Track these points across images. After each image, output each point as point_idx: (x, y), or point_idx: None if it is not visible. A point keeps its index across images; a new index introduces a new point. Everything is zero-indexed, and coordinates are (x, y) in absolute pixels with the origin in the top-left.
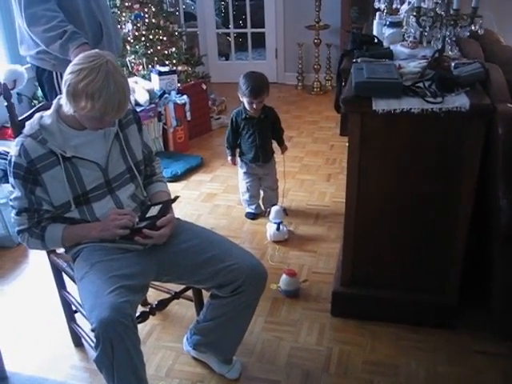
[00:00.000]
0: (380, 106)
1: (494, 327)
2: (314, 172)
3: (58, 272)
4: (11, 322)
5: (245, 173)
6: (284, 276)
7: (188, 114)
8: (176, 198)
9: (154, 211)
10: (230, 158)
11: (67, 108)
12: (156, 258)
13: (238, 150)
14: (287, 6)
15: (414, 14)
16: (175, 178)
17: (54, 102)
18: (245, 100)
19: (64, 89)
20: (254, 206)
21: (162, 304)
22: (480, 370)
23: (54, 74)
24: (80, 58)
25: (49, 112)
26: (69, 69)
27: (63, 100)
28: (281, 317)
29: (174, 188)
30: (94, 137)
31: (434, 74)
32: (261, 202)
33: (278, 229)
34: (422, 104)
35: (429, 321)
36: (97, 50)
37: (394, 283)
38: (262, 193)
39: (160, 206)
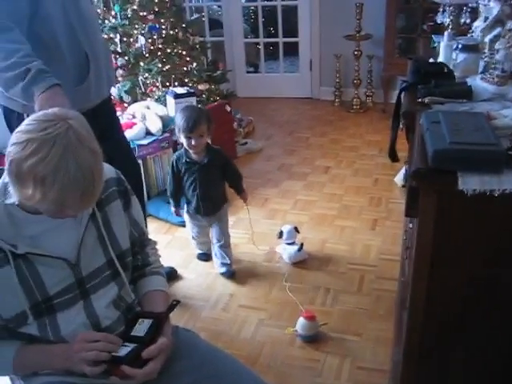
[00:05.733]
0: (470, 184)
1: None
2: (356, 216)
3: None
4: None
5: (190, 222)
6: (301, 319)
7: (209, 141)
8: (175, 304)
9: (141, 329)
10: (173, 208)
11: (12, 192)
12: None
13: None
14: (324, 12)
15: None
16: None
17: (2, 177)
18: (182, 137)
19: (6, 165)
20: (205, 248)
21: None
22: None
23: (26, 116)
24: (31, 120)
25: None
26: (13, 137)
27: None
28: None
29: (184, 234)
30: (60, 221)
31: None
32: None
33: (299, 249)
34: None
35: None
36: (55, 110)
37: None
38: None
39: (150, 321)
